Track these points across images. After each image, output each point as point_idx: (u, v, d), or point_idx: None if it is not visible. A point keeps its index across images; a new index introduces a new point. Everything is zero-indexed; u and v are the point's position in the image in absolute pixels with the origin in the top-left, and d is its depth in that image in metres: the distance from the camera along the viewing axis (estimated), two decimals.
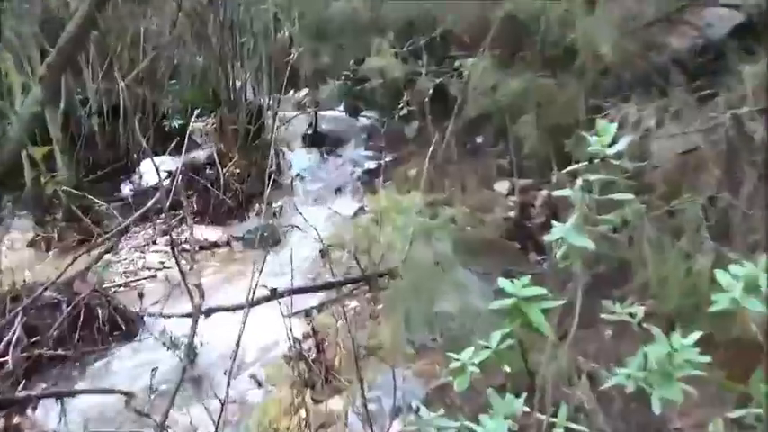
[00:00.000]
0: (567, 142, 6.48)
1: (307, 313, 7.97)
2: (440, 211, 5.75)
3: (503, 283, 2.79)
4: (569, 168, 2.77)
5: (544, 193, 9.63)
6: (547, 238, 2.72)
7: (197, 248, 10.40)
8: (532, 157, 9.80)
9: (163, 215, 10.88)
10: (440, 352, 5.72)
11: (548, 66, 7.99)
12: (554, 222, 2.71)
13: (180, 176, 11.51)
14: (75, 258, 7.75)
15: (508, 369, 3.03)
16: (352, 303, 8.25)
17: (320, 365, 6.62)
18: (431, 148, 7.45)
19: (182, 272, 5.28)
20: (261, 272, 4.77)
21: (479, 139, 11.65)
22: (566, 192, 2.70)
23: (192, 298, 4.71)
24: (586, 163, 2.66)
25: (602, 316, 3.07)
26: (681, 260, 4.96)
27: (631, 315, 3.00)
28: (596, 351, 5.18)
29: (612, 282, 5.97)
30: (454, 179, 9.34)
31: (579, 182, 2.65)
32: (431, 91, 8.65)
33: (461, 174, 9.49)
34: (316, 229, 7.20)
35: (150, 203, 7.87)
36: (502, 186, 10.43)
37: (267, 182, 6.15)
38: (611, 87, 6.79)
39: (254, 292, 4.75)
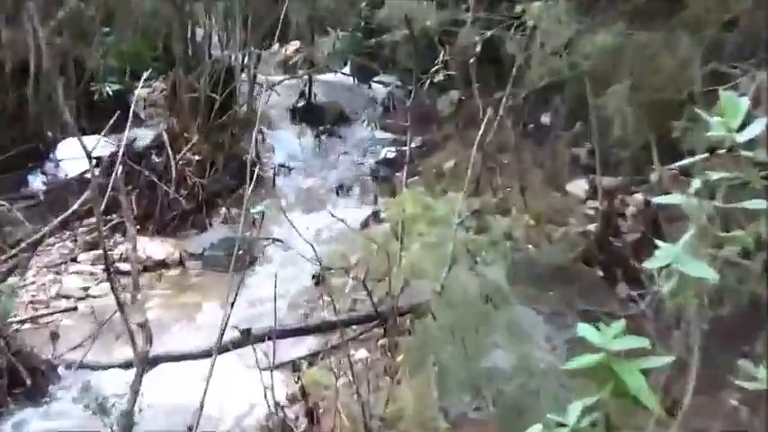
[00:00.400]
0: (674, 124, 6.41)
1: (294, 366, 7.91)
2: (491, 223, 5.67)
3: (584, 330, 2.69)
4: (680, 163, 2.69)
5: (639, 197, 9.59)
6: (647, 264, 2.63)
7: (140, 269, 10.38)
8: (623, 144, 9.77)
9: (89, 221, 10.95)
10: (488, 426, 5.66)
11: (647, 14, 7.93)
12: (657, 242, 2.61)
13: (117, 166, 11.64)
14: None
15: None
16: (360, 353, 8.21)
17: None
18: (480, 131, 7.38)
19: (120, 305, 5.24)
20: (232, 305, 4.71)
21: (546, 118, 11.64)
22: (675, 197, 2.61)
23: (133, 343, 4.64)
24: (706, 155, 2.57)
25: (736, 381, 2.96)
26: None
27: None
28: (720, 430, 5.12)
29: (742, 328, 5.90)
30: (510, 176, 9.28)
31: (695, 183, 2.55)
32: (478, 48, 8.57)
33: (521, 168, 9.44)
34: (312, 246, 7.15)
35: (75, 206, 7.79)
36: (578, 187, 10.42)
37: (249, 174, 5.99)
38: (739, 47, 6.71)
39: (222, 334, 4.69)
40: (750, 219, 2.55)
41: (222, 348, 7.17)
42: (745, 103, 2.64)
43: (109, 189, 6.95)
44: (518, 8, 7.48)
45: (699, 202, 2.55)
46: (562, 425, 2.67)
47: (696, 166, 2.57)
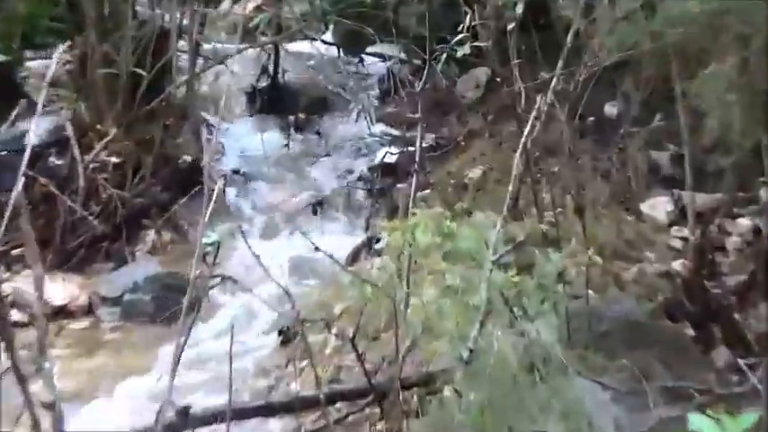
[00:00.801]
0: None
1: None
2: (539, 259, 5.62)
3: (697, 422, 2.67)
4: None
5: (746, 222, 9.58)
6: None
7: (27, 319, 10.37)
8: (724, 148, 9.76)
9: None
10: None
11: None
12: None
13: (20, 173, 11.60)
14: None
15: None
16: None
17: None
18: (523, 126, 7.37)
19: (20, 376, 5.20)
20: (173, 375, 4.70)
21: (612, 109, 11.66)
22: None
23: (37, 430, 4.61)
24: None
25: None
26: None
27: None
28: None
29: None
30: (563, 190, 9.26)
31: None
32: (520, 8, 8.55)
33: (577, 179, 9.43)
34: (286, 290, 7.12)
35: None
36: (658, 207, 10.41)
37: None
38: None
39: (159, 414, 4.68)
40: None
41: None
42: None
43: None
44: None
45: None
46: None
47: None
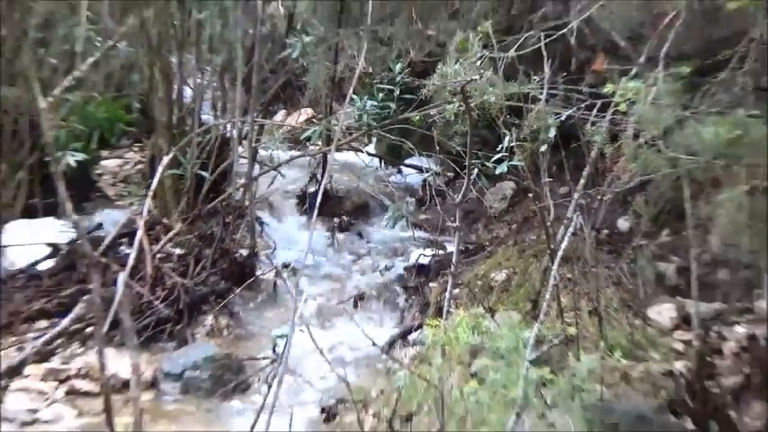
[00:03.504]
0: None
1: None
2: (571, 359, 5.65)
3: None
4: None
5: (742, 330, 9.57)
6: None
7: (98, 389, 10.39)
8: (724, 263, 9.78)
9: (38, 325, 10.96)
10: None
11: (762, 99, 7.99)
12: None
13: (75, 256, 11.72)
14: None
15: None
16: None
17: None
18: (563, 237, 7.38)
19: None
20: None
21: (625, 223, 11.66)
22: None
23: None
24: None
25: None
26: None
27: None
28: None
29: None
30: (580, 294, 9.26)
31: None
32: (552, 131, 8.59)
33: (593, 285, 9.42)
34: (344, 379, 7.16)
35: (66, 321, 7.74)
36: (664, 312, 10.39)
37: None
38: None
39: None
40: None
41: None
42: None
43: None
44: (607, 86, 7.50)
45: None
46: None
47: None
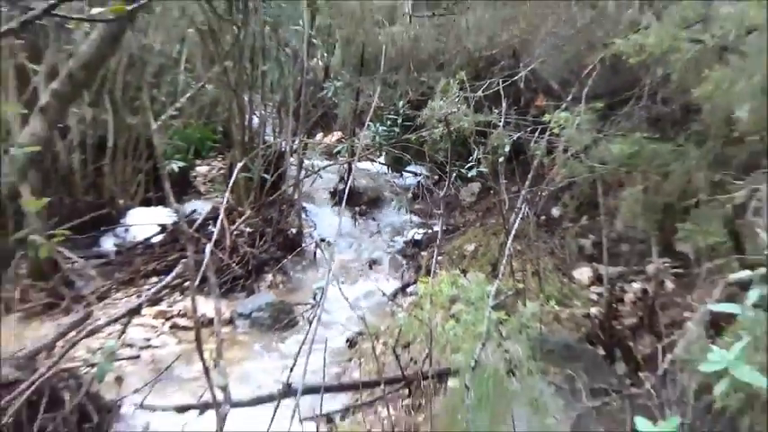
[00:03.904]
0: (681, 226, 6.36)
1: (328, 418, 7.80)
2: (520, 306, 5.63)
3: (642, 424, 2.62)
4: (736, 276, 2.64)
5: (637, 286, 9.50)
6: (703, 367, 2.55)
7: (192, 324, 10.39)
8: (625, 239, 9.72)
9: (152, 280, 10.95)
10: None
11: (657, 127, 7.93)
12: (712, 347, 2.54)
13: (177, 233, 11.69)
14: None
15: None
16: (387, 411, 8.11)
17: None
18: (503, 220, 7.33)
19: (206, 369, 5.15)
20: (295, 364, 4.63)
21: (557, 211, 11.59)
22: (731, 306, 2.54)
23: (216, 404, 4.55)
24: (764, 270, 2.51)
25: None
26: None
27: None
28: None
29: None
30: (526, 261, 9.21)
31: (752, 295, 2.48)
32: (507, 148, 8.57)
33: (535, 254, 9.37)
34: (363, 319, 7.14)
35: (170, 277, 7.77)
36: (583, 273, 10.32)
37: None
38: (742, 161, 6.65)
39: (288, 387, 4.60)
40: None
41: (277, 397, 7.16)
42: None
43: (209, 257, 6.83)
44: (545, 116, 7.46)
45: (755, 314, 2.47)
46: None
47: (756, 280, 2.50)
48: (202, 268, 5.76)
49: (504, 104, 9.00)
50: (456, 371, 4.96)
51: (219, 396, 4.81)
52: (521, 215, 8.09)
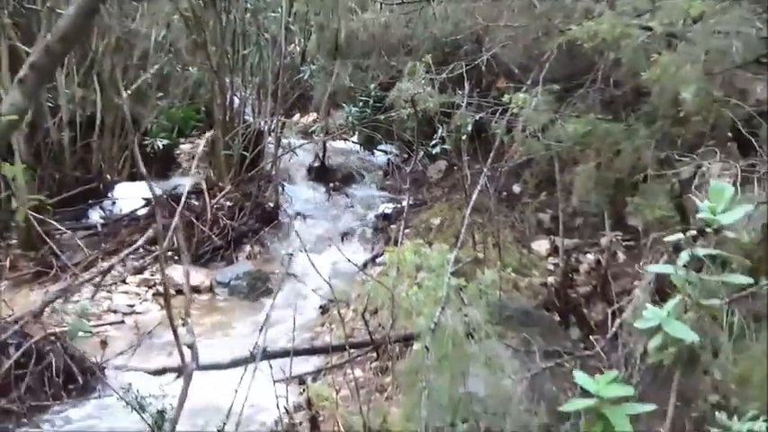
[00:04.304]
0: (630, 200, 6.36)
1: (300, 380, 7.79)
2: (479, 274, 5.60)
3: (581, 379, 2.62)
4: (671, 238, 2.63)
5: (591, 257, 9.53)
6: (638, 324, 2.54)
7: (173, 293, 10.35)
8: (580, 213, 9.74)
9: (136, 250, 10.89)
10: None
11: (610, 108, 7.92)
12: (648, 306, 2.54)
13: (160, 207, 11.61)
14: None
15: None
16: (356, 372, 8.11)
17: None
18: (466, 195, 7.31)
19: (174, 328, 5.11)
20: (261, 329, 4.61)
21: (517, 188, 11.59)
22: (665, 267, 2.54)
23: (183, 361, 4.50)
24: (693, 233, 2.51)
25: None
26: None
27: None
28: None
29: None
30: (487, 233, 9.19)
31: (684, 256, 2.49)
32: (470, 127, 8.54)
33: (495, 227, 9.35)
34: (329, 283, 7.13)
35: (141, 241, 7.73)
36: (541, 245, 10.34)
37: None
38: (688, 139, 6.66)
39: (261, 350, 4.57)
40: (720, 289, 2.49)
41: (249, 360, 7.14)
42: (730, 190, 2.59)
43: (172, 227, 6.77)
44: (506, 97, 7.42)
45: (686, 274, 2.48)
46: None
47: (686, 242, 2.51)
48: (170, 232, 5.71)
49: (466, 86, 8.97)
50: (418, 334, 4.95)
51: (188, 355, 4.75)
52: (478, 189, 8.08)
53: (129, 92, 12.54)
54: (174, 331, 5.07)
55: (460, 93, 8.88)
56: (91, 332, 8.00)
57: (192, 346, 4.75)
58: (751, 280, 2.44)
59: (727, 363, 4.93)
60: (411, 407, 4.88)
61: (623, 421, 2.48)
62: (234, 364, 7.67)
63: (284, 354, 8.17)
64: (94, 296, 9.29)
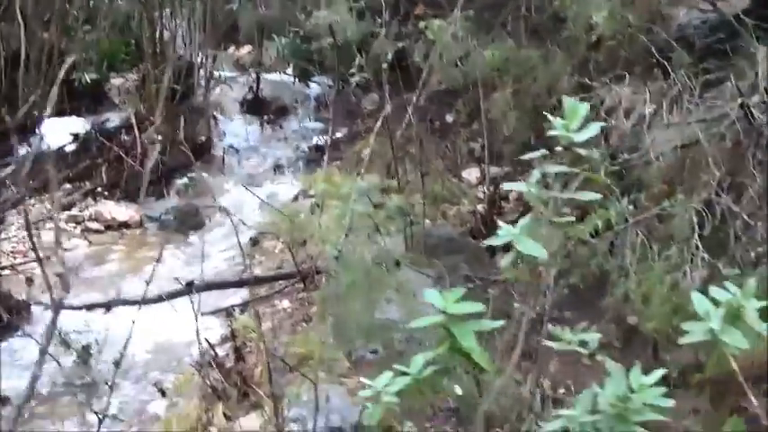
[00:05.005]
0: (546, 126, 6.44)
1: (228, 313, 7.83)
2: (386, 201, 5.66)
3: (430, 296, 2.69)
4: (531, 155, 2.69)
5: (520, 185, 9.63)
6: (487, 242, 2.62)
7: (103, 228, 10.40)
8: (510, 141, 9.81)
9: (64, 187, 10.84)
10: (379, 367, 5.64)
11: (531, 35, 7.97)
12: (500, 222, 2.61)
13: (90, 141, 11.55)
14: None
15: (459, 392, 2.93)
16: (284, 303, 8.20)
17: (238, 375, 6.48)
18: (398, 126, 7.37)
19: (39, 260, 5.11)
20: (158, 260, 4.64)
21: (450, 117, 11.63)
22: (519, 185, 2.61)
23: (50, 291, 4.36)
24: (545, 151, 2.57)
25: (548, 344, 2.94)
26: (668, 273, 4.91)
27: (583, 344, 2.83)
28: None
29: (588, 297, 5.95)
30: (416, 163, 9.22)
31: (535, 174, 2.55)
32: (390, 56, 8.51)
33: (426, 157, 9.38)
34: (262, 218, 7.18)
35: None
36: (472, 174, 10.42)
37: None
38: (603, 65, 6.74)
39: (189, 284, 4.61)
40: (598, 206, 2.57)
41: (169, 296, 7.19)
42: (584, 108, 2.65)
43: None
44: (422, 24, 7.42)
45: (538, 191, 2.55)
46: (406, 374, 2.67)
47: (538, 160, 2.58)
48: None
49: (385, 15, 8.92)
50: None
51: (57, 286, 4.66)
52: (384, 114, 8.10)
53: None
54: (40, 262, 5.05)
55: (380, 21, 8.85)
56: None
57: (62, 276, 4.68)
58: (598, 196, 2.52)
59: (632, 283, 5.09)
60: (322, 334, 4.98)
61: (469, 338, 2.56)
62: (171, 296, 7.73)
63: (217, 286, 8.27)
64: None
